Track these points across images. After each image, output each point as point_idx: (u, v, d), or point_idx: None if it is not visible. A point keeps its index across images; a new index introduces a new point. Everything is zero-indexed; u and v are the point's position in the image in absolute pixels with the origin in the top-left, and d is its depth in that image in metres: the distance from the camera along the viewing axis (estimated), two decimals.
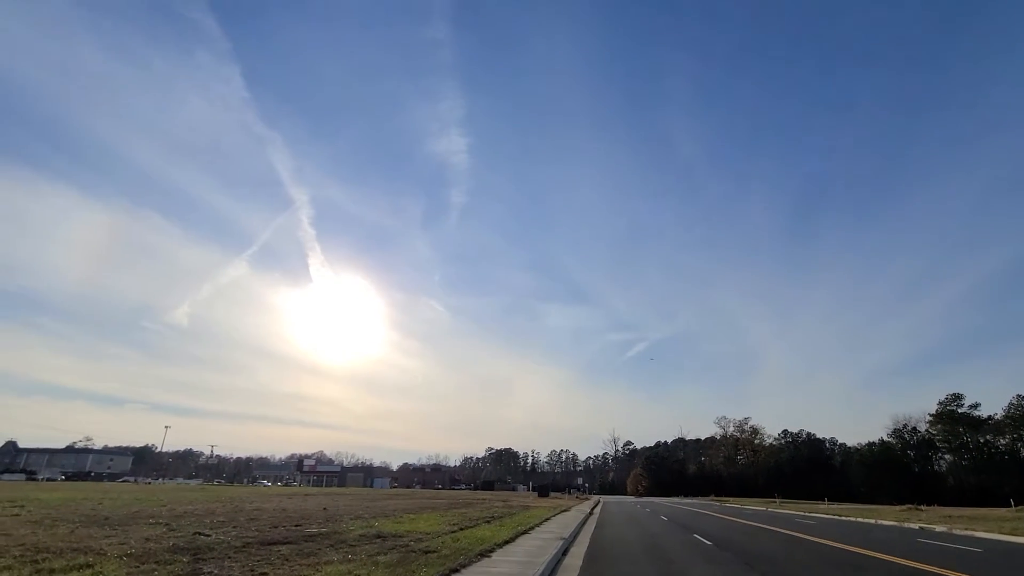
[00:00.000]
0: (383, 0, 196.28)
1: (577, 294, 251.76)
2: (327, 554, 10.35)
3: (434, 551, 11.21)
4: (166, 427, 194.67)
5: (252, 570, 8.48)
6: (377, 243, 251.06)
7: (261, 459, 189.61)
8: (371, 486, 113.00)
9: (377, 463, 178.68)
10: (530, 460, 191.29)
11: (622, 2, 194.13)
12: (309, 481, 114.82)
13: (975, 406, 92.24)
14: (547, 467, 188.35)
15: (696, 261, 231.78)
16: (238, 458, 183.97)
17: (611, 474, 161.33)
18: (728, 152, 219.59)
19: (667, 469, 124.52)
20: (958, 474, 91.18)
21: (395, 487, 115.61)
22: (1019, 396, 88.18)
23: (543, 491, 76.59)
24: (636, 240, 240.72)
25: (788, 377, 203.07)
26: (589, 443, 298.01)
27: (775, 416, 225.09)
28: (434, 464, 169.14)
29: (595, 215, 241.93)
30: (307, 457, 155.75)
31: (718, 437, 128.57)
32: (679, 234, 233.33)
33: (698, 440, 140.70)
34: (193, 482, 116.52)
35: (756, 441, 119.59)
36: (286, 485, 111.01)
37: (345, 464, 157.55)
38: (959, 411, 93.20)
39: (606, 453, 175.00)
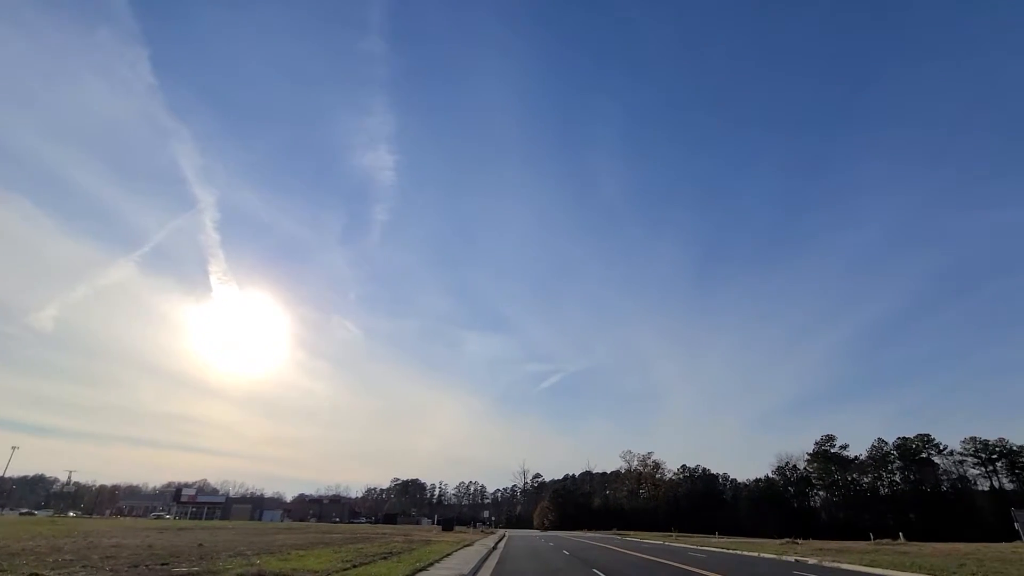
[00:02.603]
0: (317, 3, 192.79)
1: (497, 322, 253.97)
2: None
3: None
4: (13, 448, 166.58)
5: None
6: (289, 255, 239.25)
7: (131, 487, 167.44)
8: (260, 519, 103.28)
9: (269, 493, 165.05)
10: (437, 492, 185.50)
11: (558, 48, 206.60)
12: (187, 513, 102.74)
13: (844, 447, 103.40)
14: (455, 499, 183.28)
15: (615, 298, 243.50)
16: (102, 485, 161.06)
17: (519, 507, 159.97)
18: (647, 197, 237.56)
19: (573, 503, 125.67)
20: (829, 509, 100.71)
21: (288, 520, 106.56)
22: (879, 439, 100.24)
23: (447, 525, 74.07)
24: (558, 273, 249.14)
25: (691, 414, 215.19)
26: (499, 475, 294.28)
27: (677, 452, 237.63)
28: (333, 495, 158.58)
29: (519, 245, 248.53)
30: (187, 486, 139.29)
31: (623, 471, 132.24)
32: (600, 271, 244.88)
33: (604, 474, 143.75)
34: (42, 513, 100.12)
35: (657, 475, 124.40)
36: (158, 518, 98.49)
37: (232, 494, 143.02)
38: (831, 451, 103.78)
39: (515, 486, 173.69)
